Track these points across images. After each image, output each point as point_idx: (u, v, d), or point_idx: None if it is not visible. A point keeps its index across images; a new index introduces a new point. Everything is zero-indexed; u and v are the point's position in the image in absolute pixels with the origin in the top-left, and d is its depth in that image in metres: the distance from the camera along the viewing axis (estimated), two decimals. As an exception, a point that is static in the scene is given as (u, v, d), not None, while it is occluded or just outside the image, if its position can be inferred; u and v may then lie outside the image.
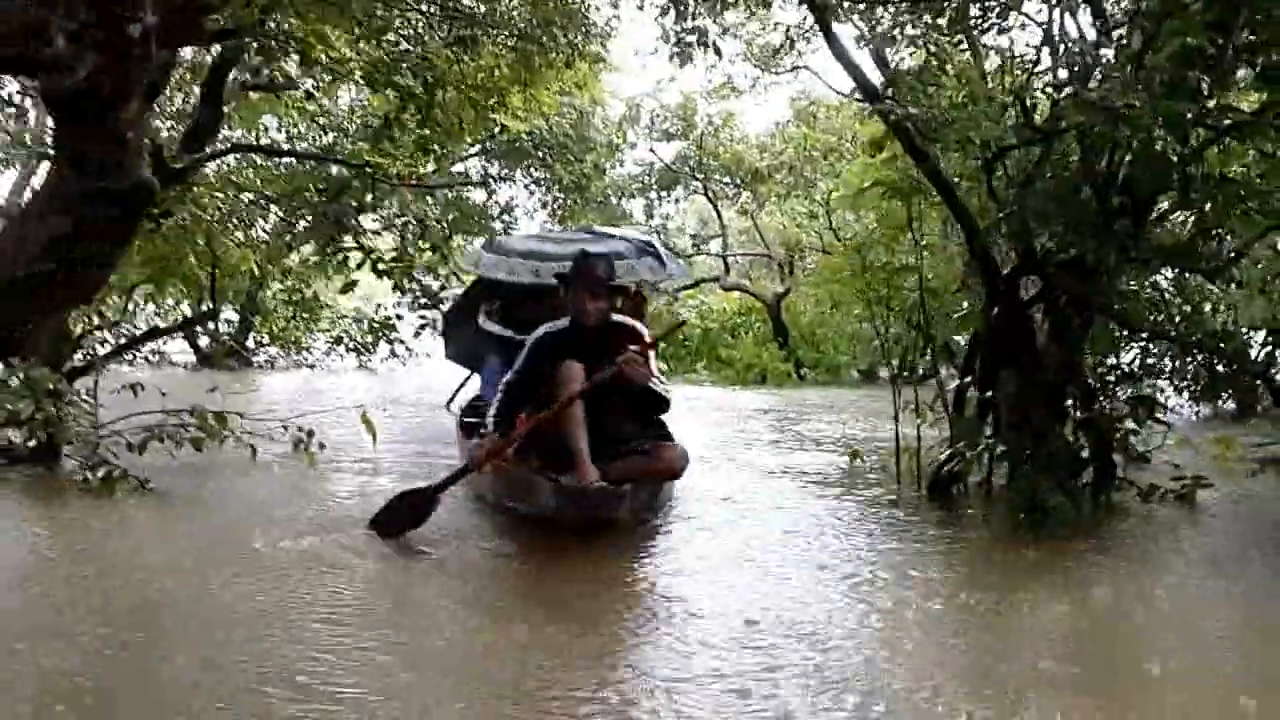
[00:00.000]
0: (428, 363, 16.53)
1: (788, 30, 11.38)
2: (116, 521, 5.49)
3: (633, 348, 5.28)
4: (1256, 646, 4.01)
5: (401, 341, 16.75)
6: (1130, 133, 4.80)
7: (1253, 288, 6.70)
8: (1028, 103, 5.47)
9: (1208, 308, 7.75)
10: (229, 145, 6.86)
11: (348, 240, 7.30)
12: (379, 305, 16.29)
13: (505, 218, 17.12)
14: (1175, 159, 5.01)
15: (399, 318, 16.60)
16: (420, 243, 7.15)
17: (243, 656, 3.35)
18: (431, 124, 6.95)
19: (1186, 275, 7.19)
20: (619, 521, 5.24)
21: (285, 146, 11.32)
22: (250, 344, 17.14)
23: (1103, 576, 5.03)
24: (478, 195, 17.09)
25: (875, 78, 7.26)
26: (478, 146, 16.01)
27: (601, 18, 10.87)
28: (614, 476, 5.08)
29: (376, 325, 16.60)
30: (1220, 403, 11.27)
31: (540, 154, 15.60)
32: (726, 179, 19.34)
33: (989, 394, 6.28)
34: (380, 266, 6.80)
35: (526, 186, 17.33)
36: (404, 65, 6.12)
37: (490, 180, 15.82)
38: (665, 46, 11.27)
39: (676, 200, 20.27)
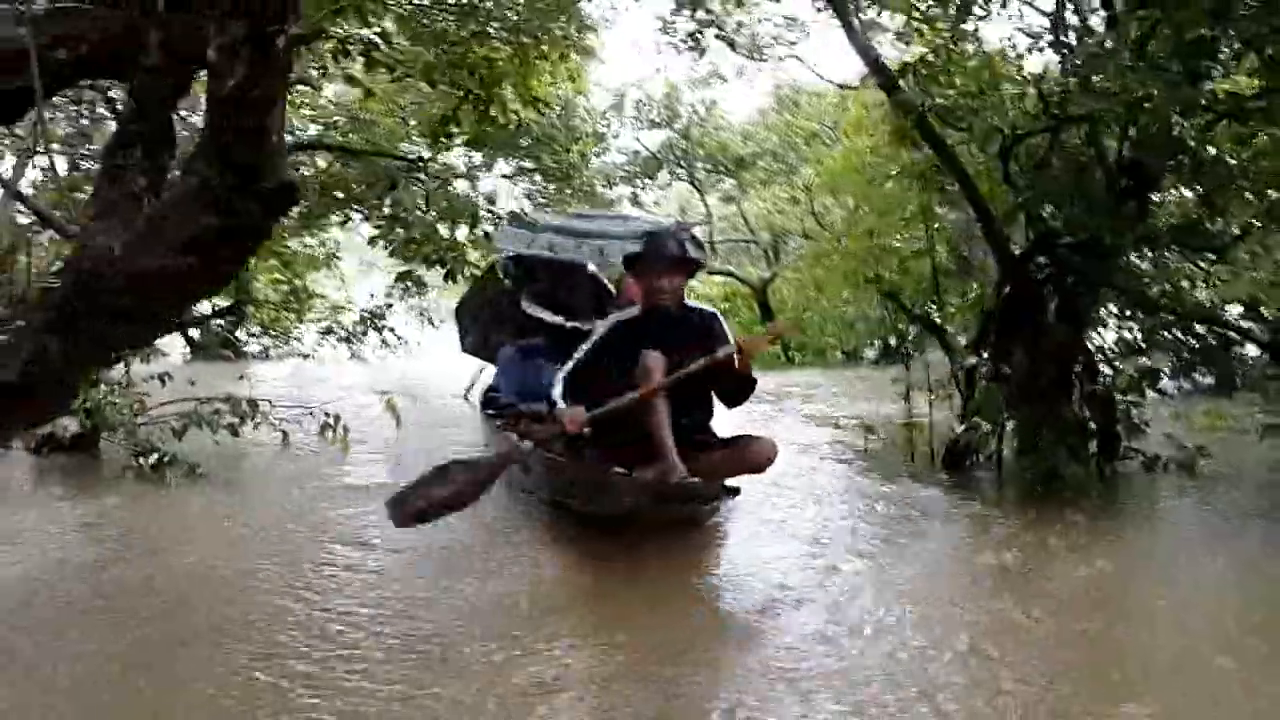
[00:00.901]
0: (418, 351, 16.69)
1: (801, 23, 11.64)
2: (165, 505, 5.66)
3: (734, 343, 4.81)
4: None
5: (392, 330, 16.89)
6: (1148, 119, 5.09)
7: (1239, 265, 7.01)
8: (1044, 90, 5.72)
9: (1186, 284, 8.03)
10: (303, 141, 6.97)
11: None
12: (371, 295, 16.42)
13: (492, 208, 17.24)
14: (1191, 143, 5.28)
15: (389, 307, 16.81)
16: (473, 230, 7.35)
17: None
18: (488, 120, 7.16)
19: (1167, 254, 7.48)
20: (699, 519, 5.04)
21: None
22: (241, 334, 17.19)
23: (1120, 541, 5.33)
24: (461, 185, 17.18)
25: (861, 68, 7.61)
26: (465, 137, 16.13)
27: (596, 9, 11.01)
28: (702, 470, 4.66)
29: (367, 315, 16.74)
30: (1200, 377, 11.65)
31: (528, 143, 15.72)
32: (710, 166, 19.62)
33: (1004, 369, 6.54)
34: (435, 255, 6.92)
35: (512, 177, 17.45)
36: (464, 67, 6.31)
37: (480, 169, 15.89)
38: (666, 35, 11.61)
39: (661, 187, 20.52)
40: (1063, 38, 6.30)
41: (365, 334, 16.93)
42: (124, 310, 3.08)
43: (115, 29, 3.54)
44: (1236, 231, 6.23)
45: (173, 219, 2.91)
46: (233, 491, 5.98)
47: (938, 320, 10.21)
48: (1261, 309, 9.78)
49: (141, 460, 6.04)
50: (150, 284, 2.99)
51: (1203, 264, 7.50)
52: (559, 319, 7.02)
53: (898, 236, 8.81)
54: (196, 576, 4.28)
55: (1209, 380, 11.69)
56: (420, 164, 7.42)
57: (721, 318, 5.19)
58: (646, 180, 19.30)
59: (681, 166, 19.78)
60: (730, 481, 4.79)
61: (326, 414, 7.53)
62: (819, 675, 3.29)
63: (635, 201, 19.95)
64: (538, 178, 17.08)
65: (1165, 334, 9.20)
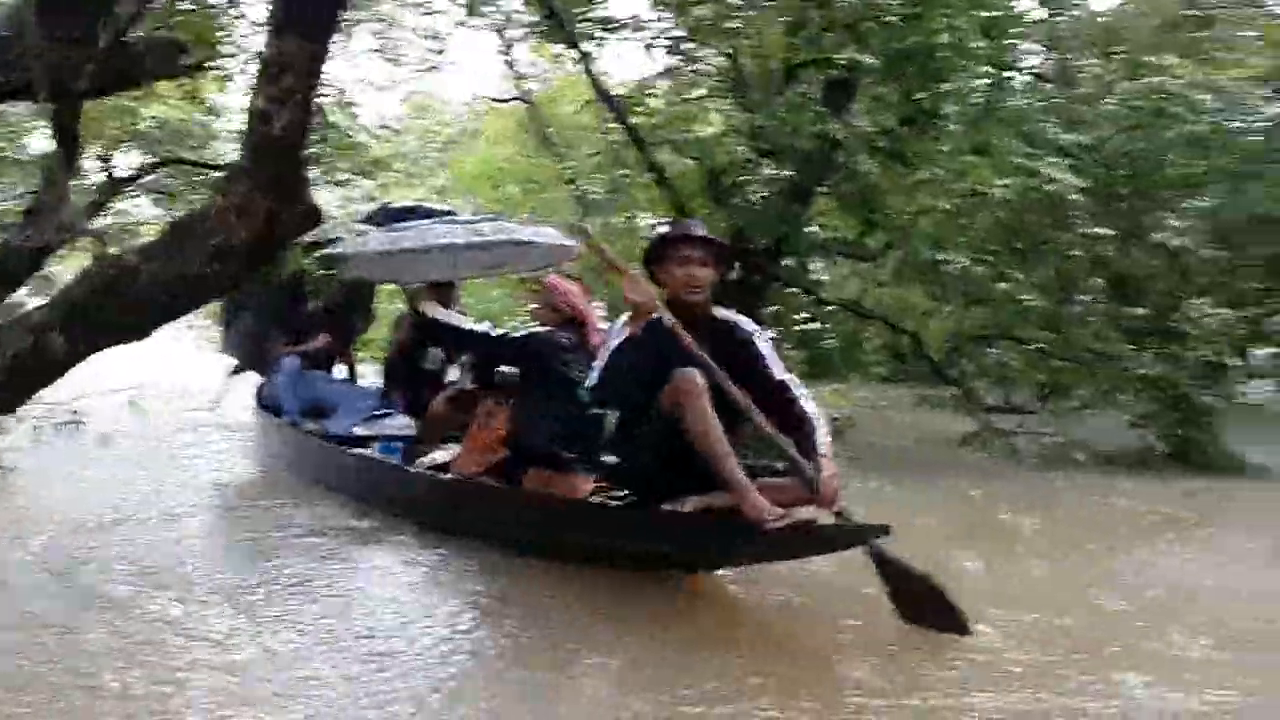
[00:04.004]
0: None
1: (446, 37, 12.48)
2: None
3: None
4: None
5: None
6: (843, 155, 6.64)
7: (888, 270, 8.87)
8: (754, 129, 7.11)
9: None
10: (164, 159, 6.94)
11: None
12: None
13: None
14: (854, 171, 6.87)
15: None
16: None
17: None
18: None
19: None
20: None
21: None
22: None
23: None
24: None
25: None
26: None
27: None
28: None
29: None
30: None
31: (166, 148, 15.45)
32: (349, 166, 19.97)
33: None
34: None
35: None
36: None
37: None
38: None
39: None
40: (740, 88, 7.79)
41: None
42: (138, 310, 3.63)
43: (53, 59, 4.07)
44: (886, 244, 7.96)
45: (205, 231, 3.52)
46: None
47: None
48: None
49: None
50: (175, 287, 3.58)
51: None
52: (484, 326, 5.58)
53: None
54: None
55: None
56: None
57: (759, 333, 4.13)
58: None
59: (322, 165, 19.99)
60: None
61: (73, 412, 7.55)
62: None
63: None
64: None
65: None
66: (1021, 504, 6.31)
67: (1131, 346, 8.39)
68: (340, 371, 7.74)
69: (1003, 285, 7.04)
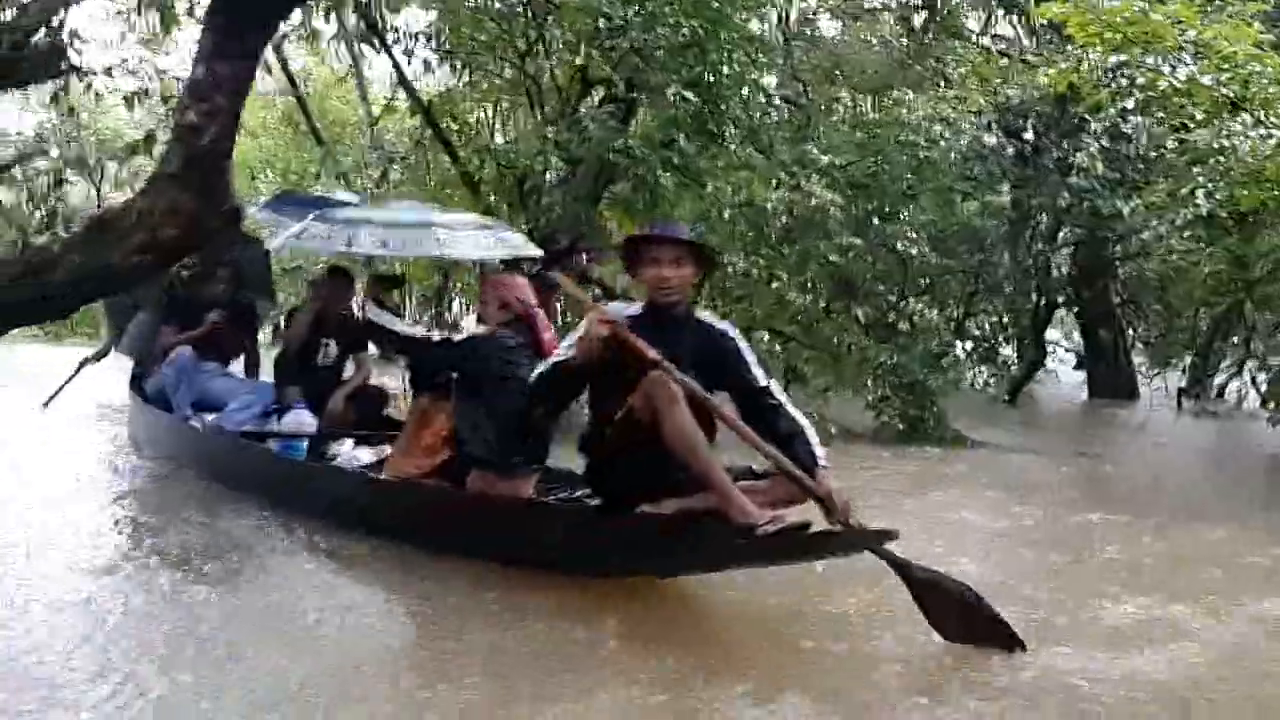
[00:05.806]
0: None
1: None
2: None
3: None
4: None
5: None
6: (638, 166, 7.47)
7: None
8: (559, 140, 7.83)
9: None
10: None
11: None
12: None
13: None
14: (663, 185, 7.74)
15: None
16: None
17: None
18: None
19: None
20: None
21: None
22: None
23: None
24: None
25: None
26: None
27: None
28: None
29: None
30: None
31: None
32: (100, 150, 19.39)
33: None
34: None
35: None
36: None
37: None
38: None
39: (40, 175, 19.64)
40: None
41: None
42: (57, 296, 4.02)
43: None
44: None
45: (128, 228, 3.94)
46: None
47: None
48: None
49: None
50: (96, 277, 3.99)
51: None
52: (421, 331, 5.68)
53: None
54: None
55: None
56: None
57: (740, 338, 4.00)
58: (29, 167, 18.43)
59: (68, 146, 19.17)
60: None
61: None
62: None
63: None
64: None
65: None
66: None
67: (867, 339, 9.64)
68: (238, 365, 7.21)
69: (774, 285, 8.05)
